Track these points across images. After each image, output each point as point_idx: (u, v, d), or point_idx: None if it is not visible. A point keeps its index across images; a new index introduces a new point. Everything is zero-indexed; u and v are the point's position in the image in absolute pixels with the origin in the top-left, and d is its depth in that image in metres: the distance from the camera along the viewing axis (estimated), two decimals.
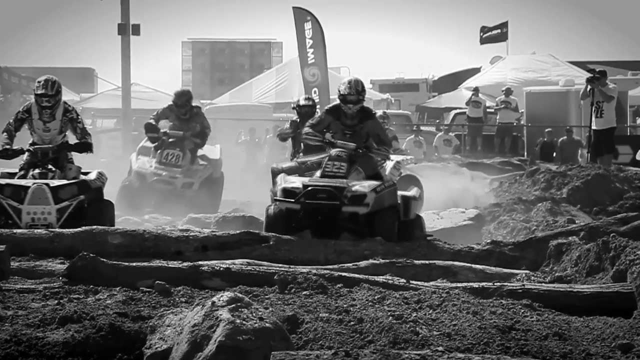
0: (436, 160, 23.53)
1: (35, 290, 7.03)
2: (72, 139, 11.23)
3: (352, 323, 5.93)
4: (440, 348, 5.51)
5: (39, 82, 11.08)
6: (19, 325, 5.90)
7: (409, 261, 8.72)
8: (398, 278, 7.50)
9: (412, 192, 11.27)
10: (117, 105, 30.41)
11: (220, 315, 5.28)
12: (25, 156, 11.07)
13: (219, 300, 5.42)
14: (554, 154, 27.70)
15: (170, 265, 7.69)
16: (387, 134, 11.68)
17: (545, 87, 32.23)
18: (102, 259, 7.49)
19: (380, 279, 7.42)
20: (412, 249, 9.59)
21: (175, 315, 5.79)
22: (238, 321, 5.22)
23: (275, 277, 7.20)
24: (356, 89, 10.68)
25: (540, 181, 16.04)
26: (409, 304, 6.53)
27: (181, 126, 15.39)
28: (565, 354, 5.62)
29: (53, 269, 8.01)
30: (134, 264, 7.65)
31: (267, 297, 6.79)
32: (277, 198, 10.26)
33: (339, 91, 10.74)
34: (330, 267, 8.34)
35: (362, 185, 10.25)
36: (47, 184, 10.46)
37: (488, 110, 31.55)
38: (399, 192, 10.70)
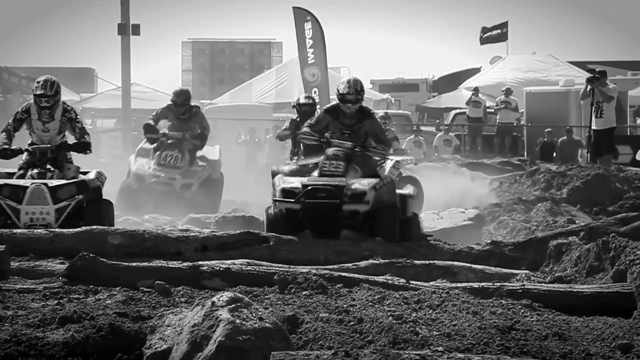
0: (436, 160, 23.55)
1: (35, 290, 7.02)
2: (71, 139, 11.22)
3: (352, 323, 5.92)
4: (440, 348, 5.51)
5: (37, 82, 11.08)
6: (19, 325, 5.90)
7: (408, 261, 8.72)
8: (398, 278, 7.50)
9: (408, 189, 11.27)
10: (117, 105, 30.37)
11: (220, 315, 5.28)
12: (23, 156, 11.06)
13: (219, 301, 5.42)
14: (554, 154, 27.69)
15: (170, 266, 7.69)
16: (385, 134, 11.65)
17: (545, 87, 32.23)
18: (102, 259, 7.48)
19: (380, 279, 7.42)
20: (412, 249, 9.59)
21: (175, 315, 5.79)
22: (238, 321, 5.21)
23: (275, 277, 7.20)
24: (355, 88, 10.66)
25: (540, 181, 16.04)
26: (408, 304, 6.53)
27: (180, 126, 15.37)
28: (565, 354, 5.62)
29: (53, 269, 8.01)
30: (134, 264, 7.65)
31: (267, 297, 6.79)
32: (277, 199, 10.24)
33: (338, 91, 10.72)
34: (330, 267, 8.34)
35: (361, 183, 10.24)
36: (45, 184, 10.45)
37: (488, 110, 31.54)
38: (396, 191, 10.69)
